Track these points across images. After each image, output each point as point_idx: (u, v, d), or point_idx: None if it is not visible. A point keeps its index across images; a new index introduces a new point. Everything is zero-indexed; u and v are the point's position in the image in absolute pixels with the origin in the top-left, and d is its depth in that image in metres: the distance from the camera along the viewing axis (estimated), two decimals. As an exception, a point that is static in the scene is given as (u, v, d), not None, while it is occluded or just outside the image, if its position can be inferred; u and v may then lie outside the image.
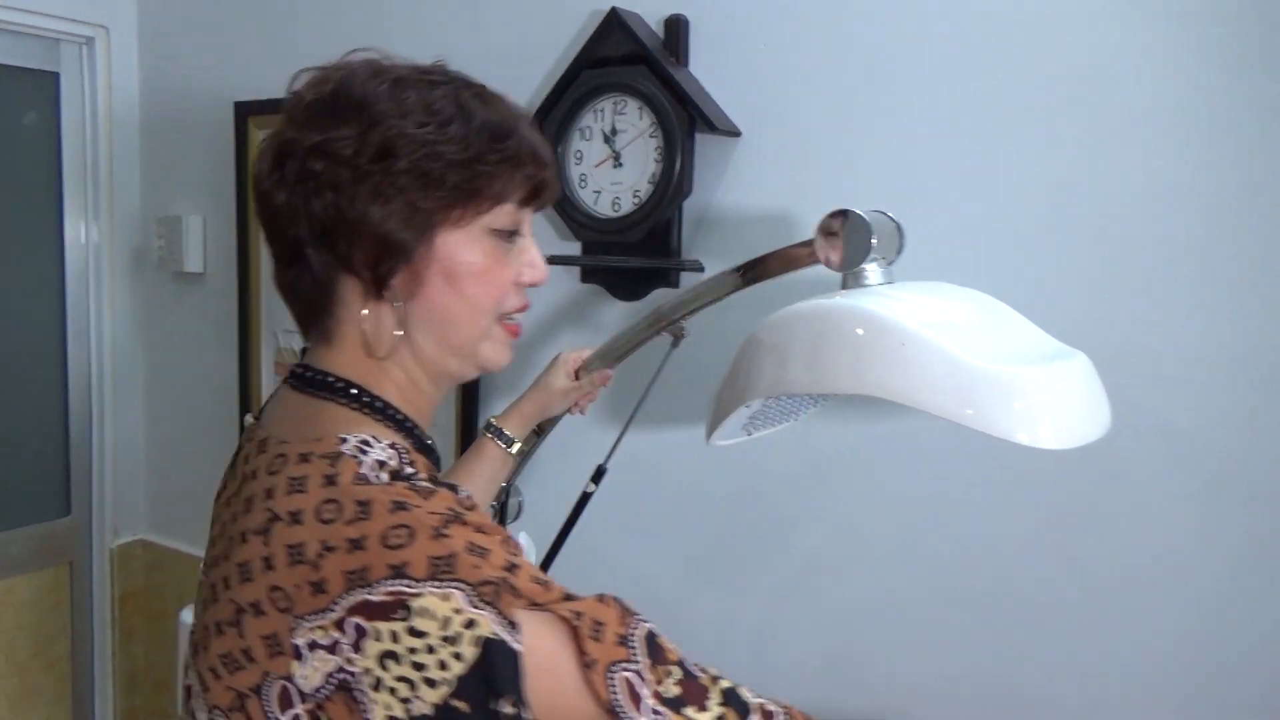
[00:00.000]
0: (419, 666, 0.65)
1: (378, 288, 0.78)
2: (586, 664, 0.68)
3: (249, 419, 0.87)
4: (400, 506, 0.68)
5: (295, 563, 0.67)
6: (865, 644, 1.30)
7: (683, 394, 1.34)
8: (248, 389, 1.96)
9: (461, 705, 0.65)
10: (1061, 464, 1.13)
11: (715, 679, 0.73)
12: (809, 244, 0.96)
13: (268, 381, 1.95)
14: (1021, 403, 0.80)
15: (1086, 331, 1.03)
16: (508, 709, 0.66)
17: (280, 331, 1.92)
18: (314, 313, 0.81)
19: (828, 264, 0.94)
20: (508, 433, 1.21)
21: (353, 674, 0.65)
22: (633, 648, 0.70)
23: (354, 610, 0.65)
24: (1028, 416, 0.80)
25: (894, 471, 1.26)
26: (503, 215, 0.81)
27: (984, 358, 0.82)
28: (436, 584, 0.65)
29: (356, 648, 0.65)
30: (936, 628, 1.25)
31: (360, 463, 0.71)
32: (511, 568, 0.69)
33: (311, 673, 0.66)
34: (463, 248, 0.79)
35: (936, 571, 1.24)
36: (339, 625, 0.66)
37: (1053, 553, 1.17)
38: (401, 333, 0.79)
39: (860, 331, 0.84)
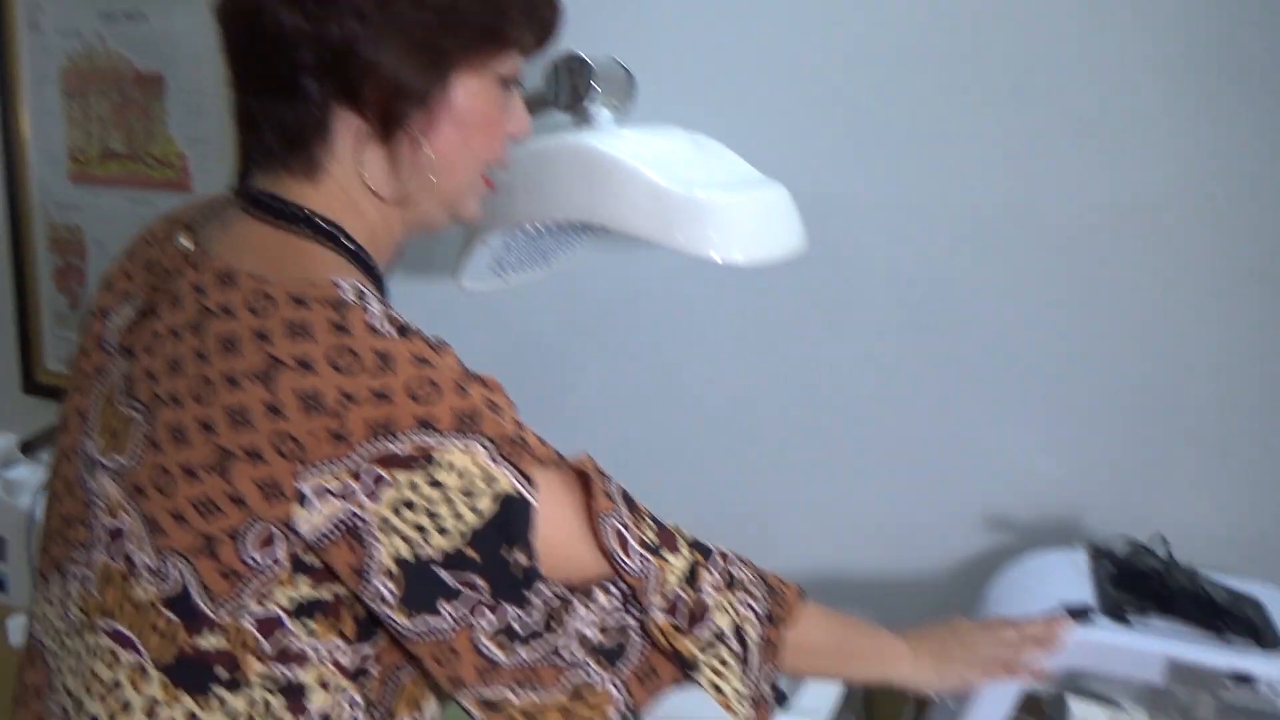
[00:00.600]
0: (433, 515, 0.66)
1: (384, 128, 0.75)
2: (590, 515, 0.73)
3: (182, 242, 0.79)
4: (423, 361, 0.68)
5: (310, 410, 0.66)
6: (643, 478, 1.41)
7: (444, 243, 1.39)
8: None
9: (473, 554, 0.67)
10: (797, 299, 1.26)
11: (676, 527, 0.81)
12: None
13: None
14: (714, 224, 0.89)
15: (795, 173, 1.13)
16: (520, 560, 0.69)
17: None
18: (296, 146, 0.75)
19: (553, 103, 0.99)
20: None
21: (364, 520, 0.66)
22: (614, 500, 0.75)
23: (376, 460, 0.65)
24: (720, 237, 0.89)
25: (652, 313, 1.35)
26: (510, 62, 0.79)
27: (685, 186, 0.90)
28: (460, 438, 0.67)
29: (373, 496, 0.66)
30: (694, 455, 1.37)
31: (368, 312, 0.69)
32: (521, 425, 0.72)
33: (317, 518, 0.66)
34: (476, 94, 0.77)
35: (691, 401, 1.36)
36: (355, 474, 0.65)
37: (784, 377, 1.30)
38: (397, 177, 0.77)
39: (575, 162, 0.91)
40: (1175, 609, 0.94)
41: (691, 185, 0.90)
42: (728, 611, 0.78)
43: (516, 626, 0.70)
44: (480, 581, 0.68)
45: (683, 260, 1.33)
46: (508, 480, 0.68)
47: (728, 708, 0.77)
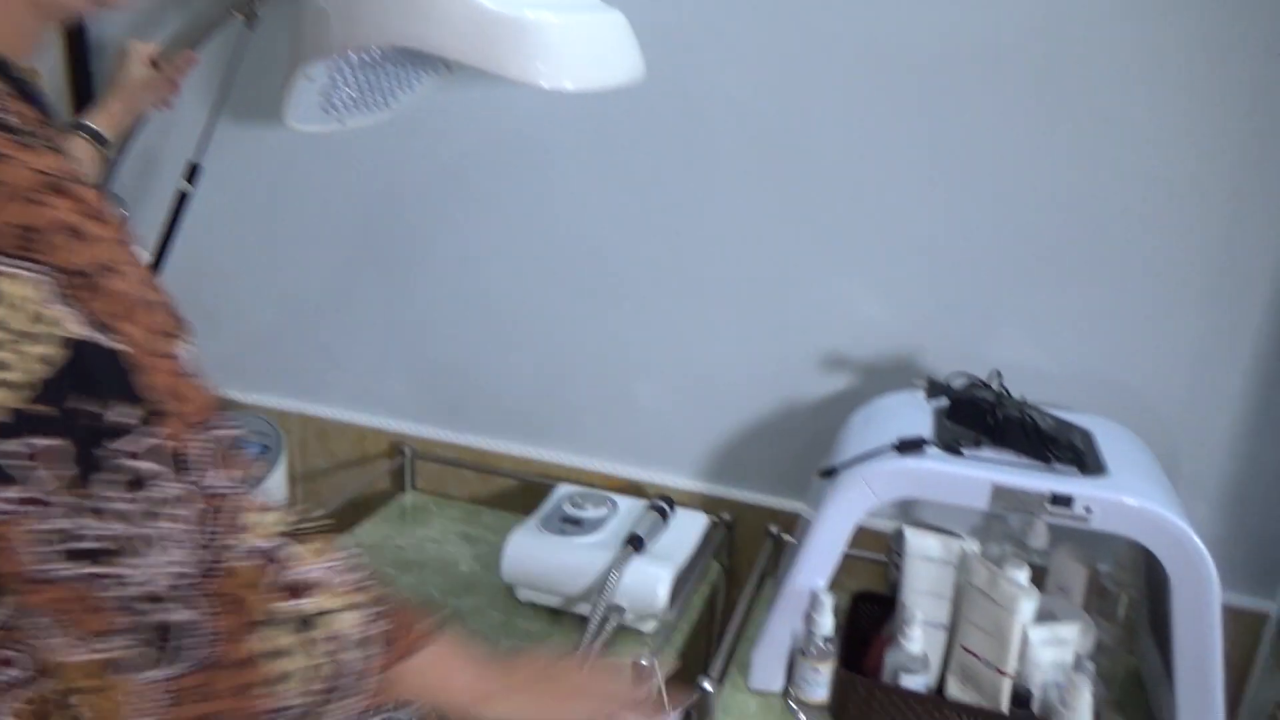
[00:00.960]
0: None
1: None
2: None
3: None
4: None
5: None
6: (505, 329, 1.39)
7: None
8: None
9: (47, 410, 0.54)
10: (650, 137, 1.21)
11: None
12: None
13: None
14: (542, 47, 0.83)
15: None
16: (119, 416, 0.56)
17: None
18: None
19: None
20: (100, 130, 1.13)
21: None
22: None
23: None
24: (548, 61, 0.84)
25: (512, 159, 1.30)
26: None
27: (511, 5, 0.83)
28: (18, 263, 0.54)
29: None
30: (551, 303, 1.35)
31: None
32: (114, 266, 0.58)
33: None
34: None
35: (551, 250, 1.32)
36: None
37: (636, 221, 1.27)
38: None
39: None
40: (1006, 440, 0.97)
41: (520, 5, 0.84)
42: (337, 609, 0.65)
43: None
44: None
45: (539, 100, 1.28)
46: (72, 323, 0.55)
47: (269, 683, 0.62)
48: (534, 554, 1.16)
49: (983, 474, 0.93)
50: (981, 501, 0.93)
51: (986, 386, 1.03)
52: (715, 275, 1.25)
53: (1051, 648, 0.95)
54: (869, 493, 0.96)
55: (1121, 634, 1.07)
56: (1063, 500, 0.91)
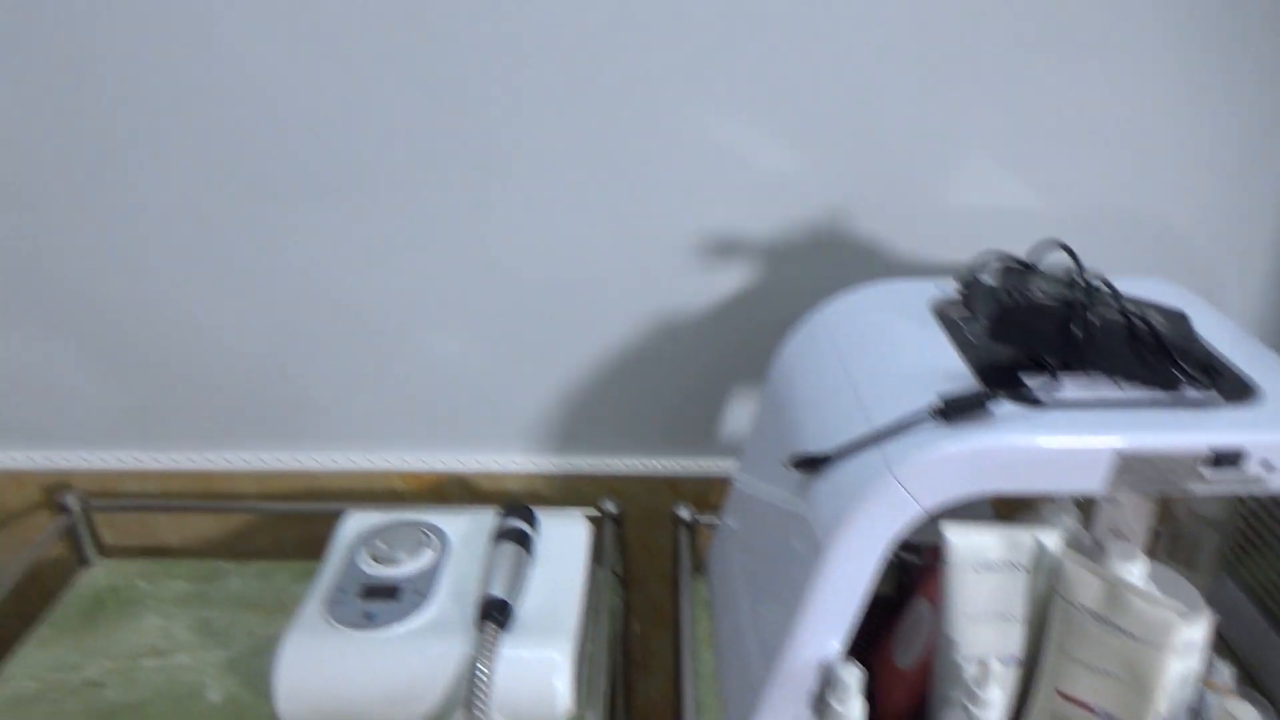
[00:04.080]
0: None
1: None
2: None
3: None
4: None
5: None
6: (216, 270, 0.84)
7: None
8: None
9: None
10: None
11: None
12: None
13: None
14: None
15: None
16: None
17: None
18: None
19: None
20: None
21: None
22: None
23: None
24: None
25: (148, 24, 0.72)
26: None
27: None
28: None
29: None
30: (274, 221, 0.82)
31: None
32: None
33: None
34: None
35: (251, 142, 0.78)
36: None
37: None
38: None
39: None
40: (1100, 360, 0.58)
41: None
42: None
43: None
44: None
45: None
46: None
47: None
48: (328, 673, 0.68)
49: (1098, 438, 0.54)
50: (1094, 483, 0.55)
51: (1029, 269, 0.63)
52: (512, 137, 0.76)
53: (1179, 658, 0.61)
54: (906, 499, 0.55)
55: (1204, 582, 0.76)
56: (1228, 458, 0.54)
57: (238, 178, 0.77)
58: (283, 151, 0.76)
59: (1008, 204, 0.77)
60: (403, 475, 0.90)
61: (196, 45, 0.72)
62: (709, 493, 0.90)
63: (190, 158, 0.77)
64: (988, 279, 0.63)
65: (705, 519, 0.87)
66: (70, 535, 0.90)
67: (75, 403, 0.88)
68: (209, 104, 0.75)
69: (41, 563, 0.91)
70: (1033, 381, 0.57)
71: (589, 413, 0.88)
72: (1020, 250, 0.64)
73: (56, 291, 0.83)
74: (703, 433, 0.89)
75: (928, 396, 0.56)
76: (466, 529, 0.78)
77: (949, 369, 0.60)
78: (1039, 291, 0.60)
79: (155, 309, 0.84)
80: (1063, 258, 0.61)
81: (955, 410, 0.55)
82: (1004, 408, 0.55)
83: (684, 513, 0.87)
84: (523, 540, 0.76)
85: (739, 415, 0.88)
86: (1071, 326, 0.57)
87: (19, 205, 0.79)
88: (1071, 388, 0.57)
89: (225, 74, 0.73)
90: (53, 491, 0.91)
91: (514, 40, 0.71)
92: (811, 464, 0.59)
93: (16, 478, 0.91)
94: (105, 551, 0.92)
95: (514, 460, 0.90)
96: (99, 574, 0.90)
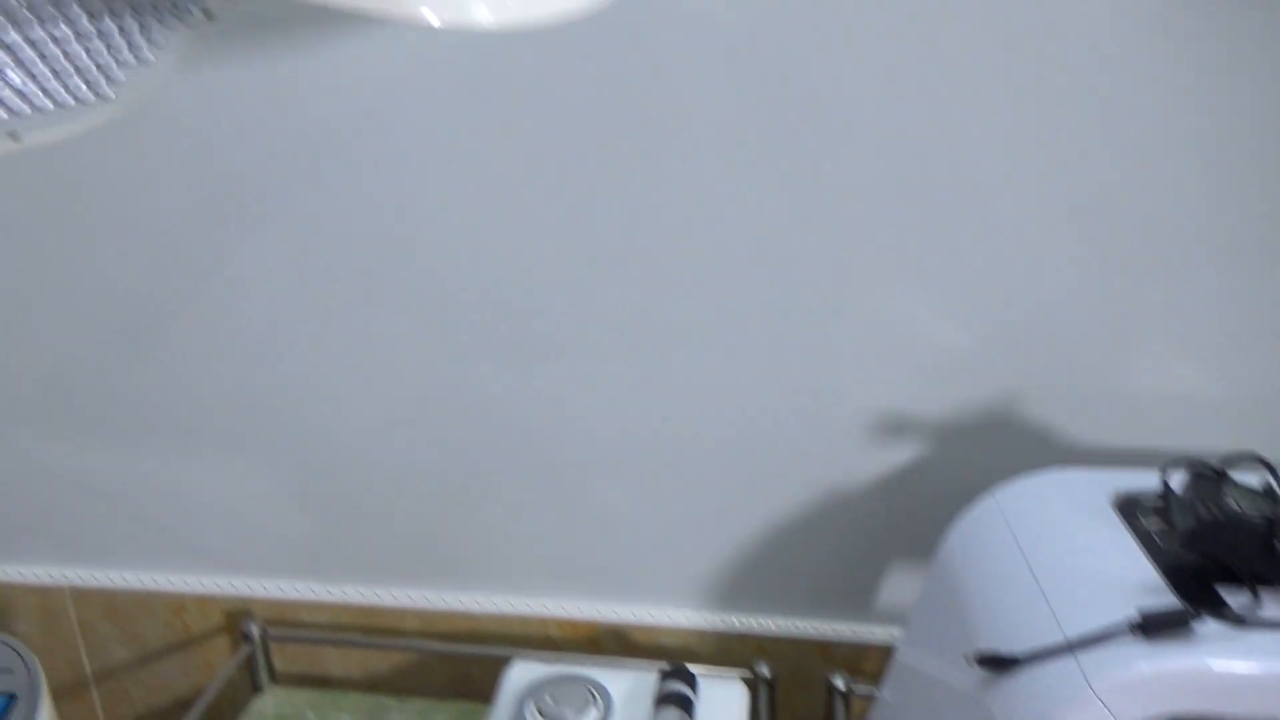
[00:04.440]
0: None
1: None
2: None
3: None
4: None
5: None
6: (397, 411, 0.90)
7: None
8: None
9: None
10: (594, 104, 0.74)
11: None
12: None
13: None
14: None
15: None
16: None
17: None
18: None
19: None
20: None
21: None
22: None
23: None
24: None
25: (377, 144, 0.80)
26: None
27: None
28: None
29: None
30: (464, 370, 0.87)
31: None
32: None
33: None
34: None
35: (446, 293, 0.84)
36: None
37: (573, 234, 0.80)
38: None
39: None
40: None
41: None
42: None
43: None
44: None
45: (402, 57, 0.78)
46: None
47: None
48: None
49: (1312, 666, 0.53)
50: (1304, 710, 0.53)
51: (1222, 476, 0.63)
52: (700, 309, 0.80)
53: None
54: (1105, 715, 0.54)
55: None
56: None
57: (429, 328, 0.84)
58: (474, 307, 0.82)
59: (1186, 391, 0.77)
60: (559, 622, 0.93)
61: (399, 198, 0.79)
62: (861, 659, 0.90)
63: (383, 307, 0.83)
64: (1178, 487, 0.63)
65: (861, 689, 0.87)
66: (246, 664, 0.95)
67: (260, 531, 0.95)
68: (407, 257, 0.81)
69: (213, 693, 0.96)
70: (1235, 600, 0.57)
71: (747, 572, 0.89)
72: (1202, 440, 0.64)
73: (253, 425, 0.90)
74: (858, 599, 0.89)
75: (1122, 606, 0.55)
76: (629, 689, 0.80)
77: (1142, 579, 0.60)
78: (1235, 504, 0.59)
79: (342, 445, 0.90)
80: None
81: (1157, 626, 0.54)
82: (1207, 626, 0.55)
83: (839, 682, 0.87)
84: (685, 705, 0.77)
85: (896, 585, 0.88)
86: (1275, 544, 0.57)
87: (218, 342, 0.87)
88: (1272, 606, 0.56)
89: (425, 230, 0.80)
90: (234, 617, 0.97)
91: (707, 222, 0.76)
92: (1000, 663, 0.59)
93: (202, 602, 0.97)
94: (276, 679, 0.97)
95: (670, 614, 0.91)
96: (269, 702, 0.94)
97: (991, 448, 0.80)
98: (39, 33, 0.48)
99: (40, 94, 0.56)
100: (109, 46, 0.54)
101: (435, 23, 0.33)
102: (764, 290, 0.78)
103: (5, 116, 0.56)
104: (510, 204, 0.78)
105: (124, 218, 0.83)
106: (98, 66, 0.54)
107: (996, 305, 0.76)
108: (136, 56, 0.58)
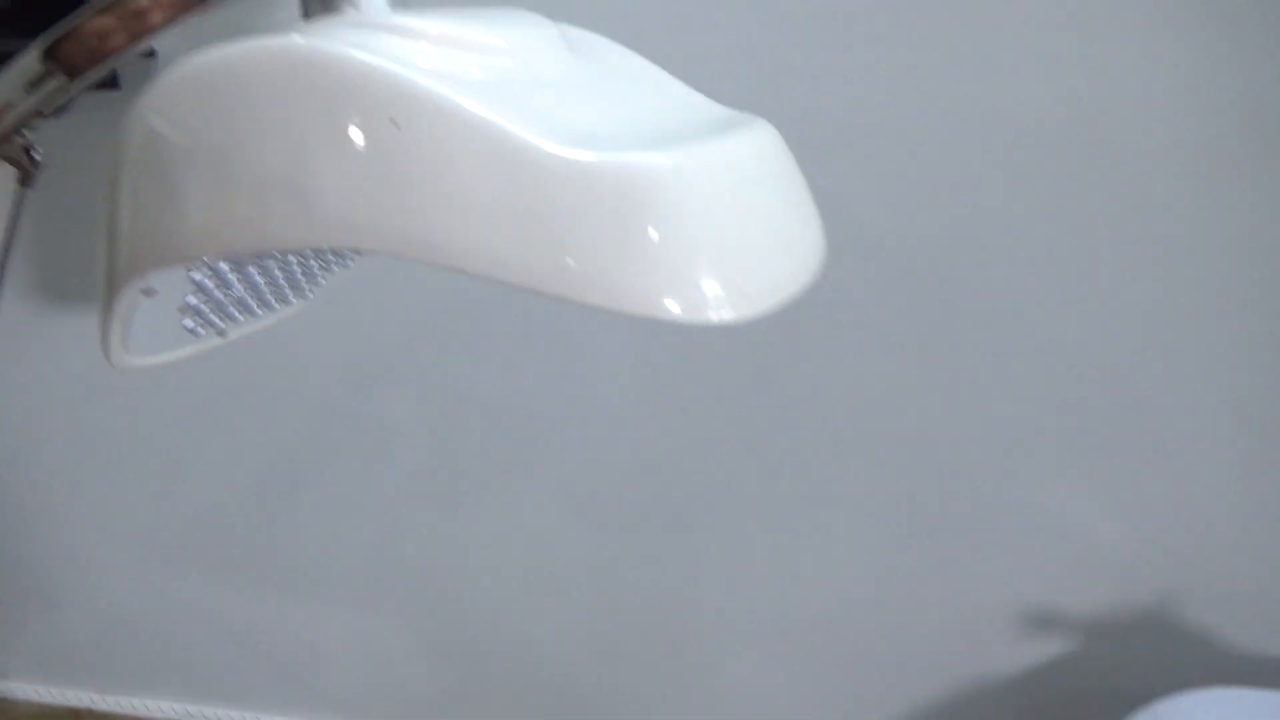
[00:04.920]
0: None
1: None
2: None
3: None
4: None
5: None
6: (533, 580, 0.91)
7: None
8: None
9: None
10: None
11: None
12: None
13: None
14: (661, 225, 0.37)
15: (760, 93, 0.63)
16: None
17: None
18: None
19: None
20: None
21: None
22: None
23: None
24: (685, 258, 0.38)
25: (506, 346, 0.83)
26: None
27: (586, 139, 0.38)
28: None
29: None
30: (594, 539, 0.88)
31: None
32: None
33: None
34: None
35: (580, 463, 0.86)
36: None
37: (714, 420, 0.81)
38: None
39: (308, 101, 0.37)
40: None
41: (596, 136, 0.39)
42: None
43: None
44: None
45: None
46: None
47: None
48: None
49: None
50: None
51: None
52: (851, 491, 0.80)
53: None
54: None
55: None
56: None
57: (569, 498, 0.85)
58: (617, 480, 0.83)
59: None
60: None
61: (547, 369, 0.81)
62: None
63: (523, 474, 0.85)
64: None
65: None
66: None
67: (388, 681, 0.95)
68: (549, 428, 0.83)
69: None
70: None
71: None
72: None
73: (398, 581, 0.91)
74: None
75: None
76: None
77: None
78: None
79: (475, 602, 0.91)
80: None
81: None
82: None
83: None
84: None
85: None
86: None
87: (358, 495, 0.89)
88: None
89: (572, 406, 0.82)
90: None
91: (860, 410, 0.77)
92: None
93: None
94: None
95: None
96: None
97: (1143, 651, 0.77)
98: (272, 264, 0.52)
99: (240, 304, 0.60)
100: (320, 263, 0.58)
101: (678, 315, 0.35)
102: (914, 476, 0.77)
103: (210, 322, 0.60)
104: (656, 380, 0.80)
105: (280, 378, 0.87)
106: (306, 277, 0.58)
107: (1157, 504, 0.74)
108: (340, 262, 0.62)
